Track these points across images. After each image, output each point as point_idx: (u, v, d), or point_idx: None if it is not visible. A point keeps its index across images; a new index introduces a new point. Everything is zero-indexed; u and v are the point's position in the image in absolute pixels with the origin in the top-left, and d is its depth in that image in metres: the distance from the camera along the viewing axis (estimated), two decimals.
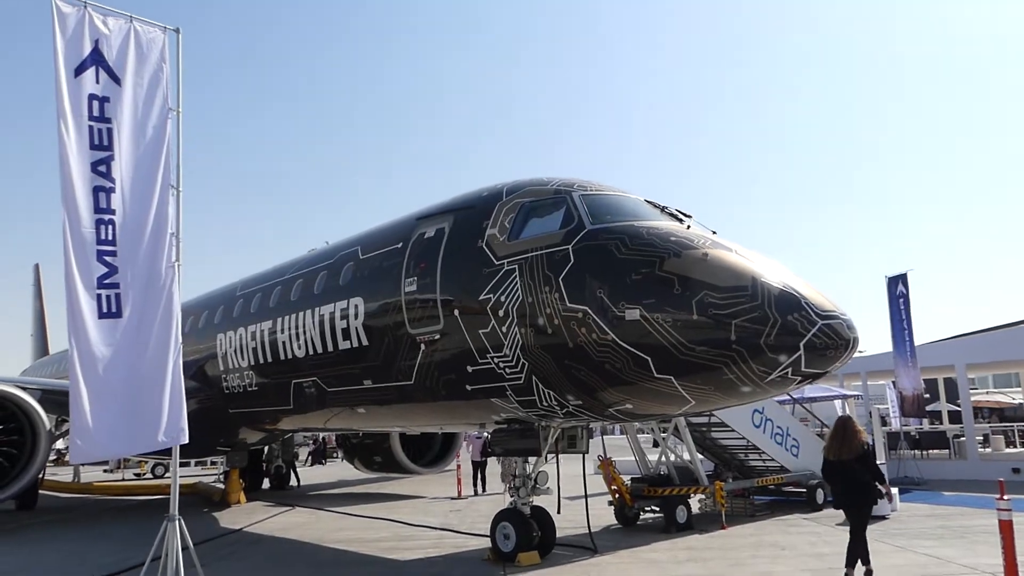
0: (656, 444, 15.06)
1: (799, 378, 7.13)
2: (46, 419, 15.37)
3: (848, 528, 8.37)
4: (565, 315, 8.21)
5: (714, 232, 8.49)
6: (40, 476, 20.63)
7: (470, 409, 10.23)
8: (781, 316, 6.98)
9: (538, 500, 10.48)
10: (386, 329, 10.67)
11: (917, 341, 20.75)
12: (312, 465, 37.27)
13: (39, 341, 39.21)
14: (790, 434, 15.17)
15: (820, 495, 14.66)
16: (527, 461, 10.38)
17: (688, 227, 8.58)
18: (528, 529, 10.10)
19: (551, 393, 8.73)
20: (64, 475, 33.40)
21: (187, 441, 7.27)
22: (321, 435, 34.63)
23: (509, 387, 9.11)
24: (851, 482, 8.32)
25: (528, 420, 9.72)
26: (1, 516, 18.52)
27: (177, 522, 7.33)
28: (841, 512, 13.90)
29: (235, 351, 14.93)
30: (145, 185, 7.03)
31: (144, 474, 35.14)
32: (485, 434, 17.71)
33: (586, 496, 11.17)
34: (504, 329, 8.85)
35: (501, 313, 8.87)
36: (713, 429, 14.70)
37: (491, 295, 9.01)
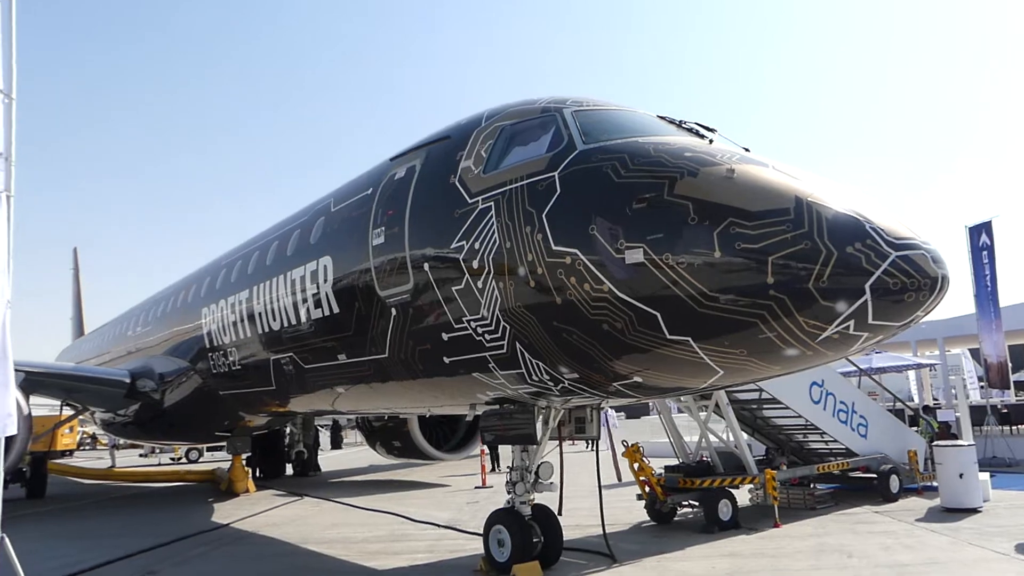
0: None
1: (865, 335, 5.00)
2: (23, 404, 14.03)
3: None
4: (550, 262, 6.24)
5: (747, 149, 6.41)
6: (38, 462, 19.81)
7: (453, 386, 8.34)
8: (837, 248, 4.88)
9: (542, 497, 8.61)
10: (355, 292, 8.86)
11: (1002, 301, 18.02)
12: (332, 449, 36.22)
13: (76, 323, 38.84)
14: (856, 411, 12.88)
15: (895, 483, 12.41)
16: (525, 450, 8.48)
17: (711, 142, 6.51)
18: (527, 534, 8.20)
19: (540, 365, 6.79)
20: (101, 460, 32.99)
21: (15, 431, 5.53)
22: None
23: (491, 358, 7.21)
24: None
25: (521, 399, 7.82)
26: (8, 504, 17.58)
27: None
28: (922, 506, 11.92)
29: (219, 327, 13.36)
30: None
31: (179, 458, 34.54)
32: None
33: (600, 491, 9.20)
34: (480, 285, 6.93)
35: (475, 264, 6.95)
36: (764, 406, 12.53)
37: (463, 242, 7.10)
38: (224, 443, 20.49)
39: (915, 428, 15.46)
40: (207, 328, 13.92)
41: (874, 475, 12.66)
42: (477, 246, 6.95)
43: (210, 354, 13.91)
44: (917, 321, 5.25)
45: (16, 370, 15.41)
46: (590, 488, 9.90)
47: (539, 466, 8.49)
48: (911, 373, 27.60)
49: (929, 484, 12.82)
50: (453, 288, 7.26)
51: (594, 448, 9.02)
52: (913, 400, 26.40)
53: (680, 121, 7.00)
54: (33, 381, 15.92)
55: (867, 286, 4.77)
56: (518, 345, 6.81)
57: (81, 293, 39.52)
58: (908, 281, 4.80)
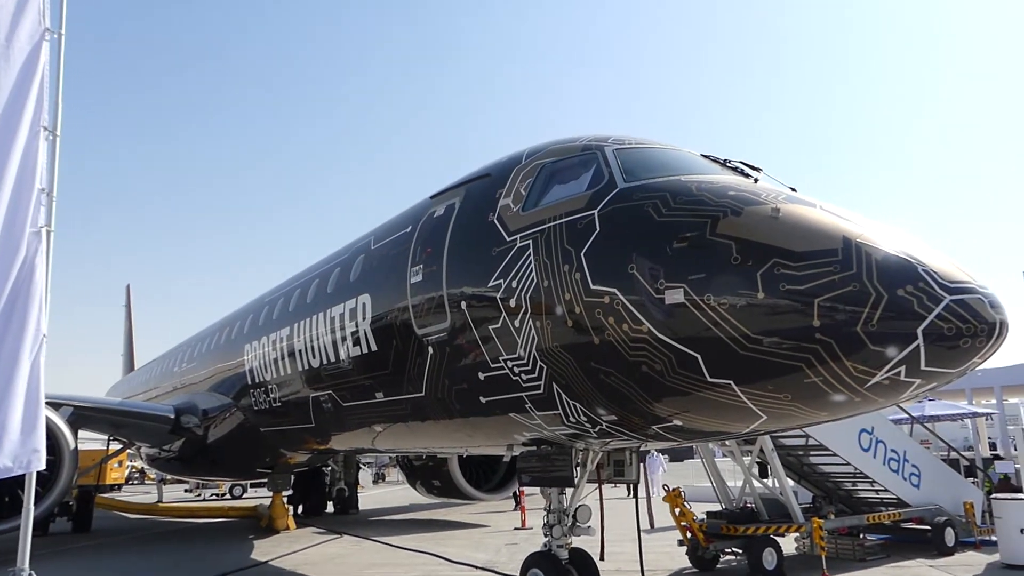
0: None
1: (918, 381, 4.79)
2: (70, 438, 14.26)
3: None
4: (588, 301, 6.15)
5: (793, 189, 6.28)
6: (86, 496, 20.06)
7: (490, 427, 8.25)
8: (888, 290, 4.71)
9: (580, 541, 8.39)
10: (393, 330, 8.86)
11: None
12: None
13: (127, 359, 39.68)
14: (908, 459, 12.40)
15: (950, 536, 11.86)
16: (563, 493, 8.31)
17: (756, 181, 6.40)
18: None
19: (577, 406, 6.66)
20: (148, 495, 33.34)
21: (43, 467, 5.51)
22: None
23: (528, 398, 7.09)
24: None
25: (558, 441, 7.68)
26: (54, 538, 17.90)
27: None
28: (979, 561, 11.31)
29: (260, 364, 13.48)
30: (6, 123, 5.45)
31: (223, 494, 34.72)
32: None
33: (639, 536, 8.94)
34: (517, 324, 6.86)
35: (512, 303, 6.89)
36: (811, 452, 12.13)
37: (501, 280, 7.05)
38: (266, 480, 20.69)
39: (972, 479, 14.85)
40: (249, 365, 14.05)
41: (928, 527, 12.14)
42: (514, 285, 6.89)
43: (252, 391, 14.01)
44: (973, 368, 5.02)
45: (65, 405, 15.77)
46: (623, 532, 9.65)
47: (577, 509, 8.31)
48: (968, 422, 26.65)
49: (987, 539, 12.23)
50: (490, 327, 7.19)
51: (633, 493, 8.81)
52: (971, 450, 25.39)
53: (725, 160, 6.93)
54: (81, 416, 16.19)
55: (919, 331, 4.58)
56: (555, 386, 6.69)
57: (133, 329, 40.45)
58: (964, 326, 4.59)
